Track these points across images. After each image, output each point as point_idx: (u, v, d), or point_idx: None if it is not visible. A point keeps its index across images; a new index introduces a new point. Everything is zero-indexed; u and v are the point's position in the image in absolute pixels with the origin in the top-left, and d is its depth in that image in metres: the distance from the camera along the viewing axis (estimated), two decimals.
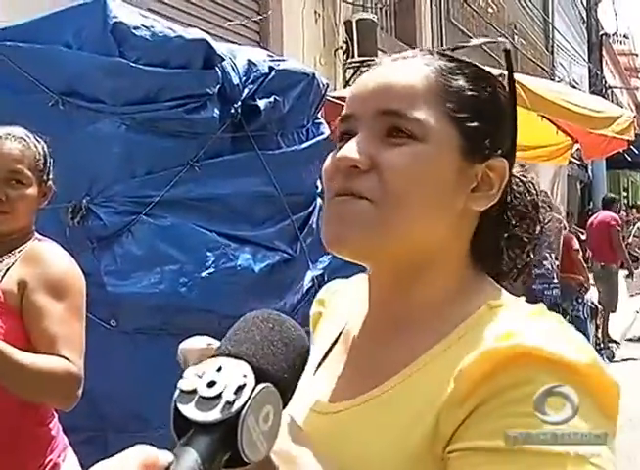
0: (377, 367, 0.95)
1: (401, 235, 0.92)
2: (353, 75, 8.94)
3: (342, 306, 1.13)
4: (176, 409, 0.70)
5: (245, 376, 0.71)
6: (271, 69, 3.48)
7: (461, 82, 0.95)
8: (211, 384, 0.70)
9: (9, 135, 2.17)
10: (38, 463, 2.06)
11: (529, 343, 0.81)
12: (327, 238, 0.94)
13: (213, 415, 0.68)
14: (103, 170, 3.15)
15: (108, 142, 3.16)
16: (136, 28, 3.15)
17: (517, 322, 0.87)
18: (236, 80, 3.35)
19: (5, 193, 2.11)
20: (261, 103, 3.38)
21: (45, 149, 2.22)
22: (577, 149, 7.91)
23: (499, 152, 0.96)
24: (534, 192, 1.04)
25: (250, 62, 3.45)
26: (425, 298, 0.96)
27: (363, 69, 1.03)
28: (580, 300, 6.27)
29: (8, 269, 2.05)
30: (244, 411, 0.69)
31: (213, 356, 0.75)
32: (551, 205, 1.05)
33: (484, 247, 0.99)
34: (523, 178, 1.04)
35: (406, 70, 0.96)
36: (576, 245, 7.83)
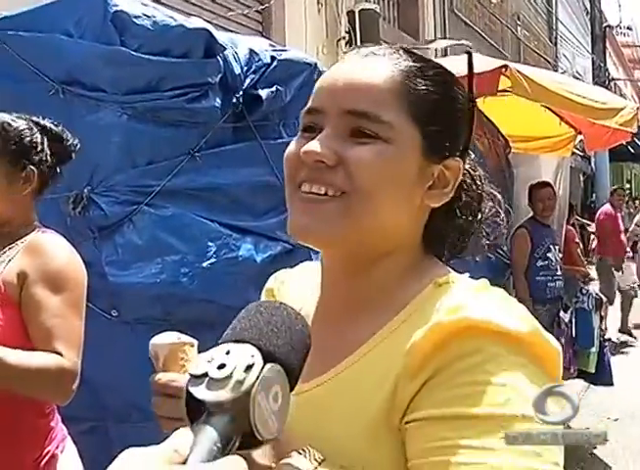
0: (333, 349, 0.99)
1: (365, 227, 0.97)
2: None
3: (293, 294, 1.17)
4: (188, 393, 0.72)
5: (252, 356, 0.74)
6: (273, 58, 3.46)
7: (424, 85, 0.99)
8: (221, 366, 0.73)
9: None
10: (36, 455, 2.05)
11: (476, 316, 0.87)
12: (292, 229, 1.00)
13: (225, 394, 0.71)
14: (104, 160, 3.13)
15: (108, 131, 3.14)
16: (137, 17, 3.13)
17: (462, 297, 0.93)
18: (237, 70, 3.32)
19: None
20: (263, 93, 3.35)
21: (27, 131, 2.15)
22: (580, 140, 7.88)
23: (456, 152, 1.02)
24: (480, 184, 1.10)
25: (251, 51, 3.42)
26: (379, 281, 1.01)
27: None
28: (584, 291, 6.25)
29: (10, 260, 2.04)
30: (254, 389, 0.71)
31: (220, 343, 0.78)
32: (494, 196, 1.10)
33: (434, 234, 1.06)
34: (471, 171, 1.10)
35: (374, 69, 0.99)
36: (576, 238, 7.82)
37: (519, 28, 17.13)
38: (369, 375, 0.94)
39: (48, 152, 2.18)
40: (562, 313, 6.01)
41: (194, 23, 3.32)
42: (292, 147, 1.02)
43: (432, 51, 12.01)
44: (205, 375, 0.72)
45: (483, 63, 5.84)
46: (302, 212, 0.98)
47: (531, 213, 6.16)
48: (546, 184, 6.25)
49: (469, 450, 0.81)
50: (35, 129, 2.17)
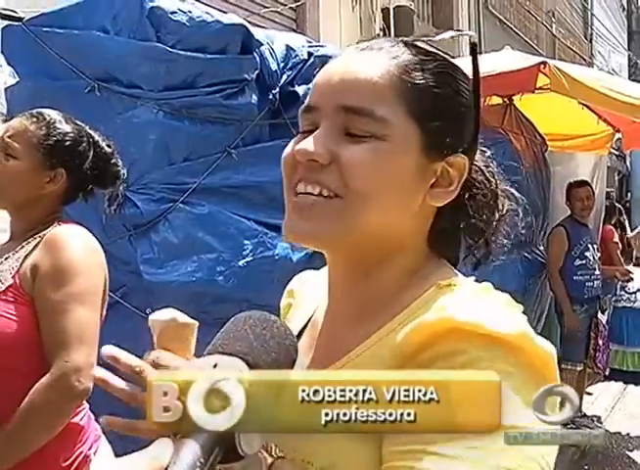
0: (333, 348, 0.98)
1: (360, 229, 0.93)
2: None
3: (311, 295, 1.14)
4: None
5: (240, 371, 0.73)
6: (310, 54, 3.43)
7: (424, 79, 0.94)
8: None
9: (29, 113, 2.14)
10: (67, 455, 2.01)
11: (460, 317, 0.83)
12: (285, 231, 0.96)
13: None
14: (140, 157, 3.11)
15: (145, 128, 3.13)
16: (173, 13, 3.12)
17: (454, 298, 0.89)
18: (274, 66, 3.30)
19: None
20: (300, 89, 3.32)
21: (71, 135, 2.14)
22: (618, 139, 7.77)
23: (460, 148, 0.97)
24: (494, 181, 1.04)
25: (288, 47, 3.40)
26: (381, 284, 0.98)
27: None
28: (629, 289, 6.15)
29: (27, 256, 2.02)
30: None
31: (208, 354, 0.77)
32: (511, 194, 1.04)
33: (442, 235, 1.01)
34: (483, 167, 1.04)
35: (370, 64, 0.95)
36: (615, 237, 7.69)
37: (554, 25, 16.97)
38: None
39: (88, 166, 2.16)
40: (599, 315, 5.92)
41: (230, 18, 3.29)
42: (288, 147, 0.98)
43: (465, 48, 11.93)
44: None
45: (521, 59, 5.77)
46: (296, 215, 0.94)
47: (569, 212, 6.07)
48: (585, 183, 6.16)
49: (433, 457, 0.78)
50: (85, 139, 2.16)
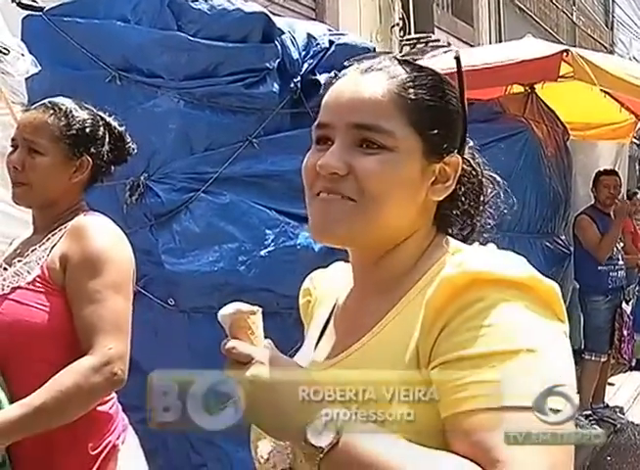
0: (361, 325, 1.11)
1: (377, 226, 1.09)
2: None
3: (330, 290, 1.30)
4: None
5: None
6: (331, 43, 3.40)
7: (420, 94, 1.10)
8: None
9: (42, 104, 2.13)
10: (96, 444, 2.01)
11: (477, 267, 0.98)
12: (313, 231, 1.12)
13: None
14: (160, 147, 3.11)
15: (165, 118, 3.12)
16: (194, 1, 3.11)
17: (466, 255, 1.05)
18: (295, 55, 3.27)
19: (22, 162, 2.07)
20: (321, 78, 3.29)
21: (89, 121, 2.14)
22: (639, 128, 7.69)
23: (454, 149, 1.13)
24: (479, 170, 1.21)
25: (309, 36, 3.37)
26: (399, 263, 1.13)
27: (339, 75, 1.17)
28: None
29: (54, 246, 2.02)
30: None
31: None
32: (494, 180, 1.21)
33: (444, 220, 1.18)
34: (471, 159, 1.20)
35: (373, 85, 1.10)
36: (632, 227, 7.63)
37: (574, 13, 16.81)
38: (395, 336, 1.04)
39: (107, 149, 2.17)
40: (624, 305, 5.88)
41: (251, 7, 3.27)
42: (308, 159, 1.13)
43: (485, 36, 11.85)
44: None
45: (543, 48, 5.70)
46: (319, 214, 1.10)
47: (590, 202, 6.02)
48: (614, 172, 6.13)
49: (478, 385, 0.91)
50: (101, 123, 2.16)
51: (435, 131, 1.10)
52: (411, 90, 1.10)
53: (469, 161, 1.20)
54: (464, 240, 1.19)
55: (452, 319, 0.96)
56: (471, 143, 1.21)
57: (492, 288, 0.97)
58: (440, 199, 1.14)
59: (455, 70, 1.19)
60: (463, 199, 1.18)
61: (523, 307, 0.96)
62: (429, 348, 0.98)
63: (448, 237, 1.17)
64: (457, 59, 1.20)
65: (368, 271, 1.16)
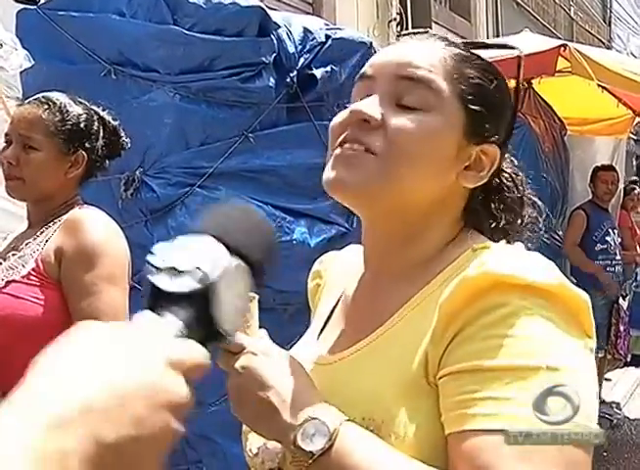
0: (372, 318, 1.03)
1: (398, 188, 0.99)
2: None
3: (339, 275, 1.21)
4: (151, 285, 0.73)
5: (218, 251, 0.76)
6: (328, 37, 3.37)
7: (472, 70, 1.04)
8: (185, 259, 0.74)
9: (36, 99, 2.14)
10: None
11: (500, 270, 0.88)
12: (329, 181, 1.00)
13: (189, 284, 0.72)
14: (156, 141, 3.09)
15: (161, 112, 3.10)
16: None
17: (492, 255, 0.95)
18: (292, 49, 3.25)
19: (17, 158, 2.07)
20: (318, 72, 3.27)
21: (84, 116, 2.15)
22: (637, 123, 7.69)
23: (495, 139, 1.06)
24: (522, 189, 1.13)
25: (306, 30, 3.34)
26: (418, 254, 1.05)
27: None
28: None
29: (48, 240, 2.02)
30: (219, 281, 0.73)
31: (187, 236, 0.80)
32: (534, 203, 1.16)
33: (474, 216, 1.09)
34: (514, 175, 1.14)
35: (428, 48, 1.05)
36: (630, 223, 7.64)
37: (572, 9, 16.80)
38: (406, 336, 0.96)
39: (101, 143, 2.17)
40: (620, 301, 5.88)
41: (247, 1, 3.25)
42: (338, 116, 1.05)
43: (482, 32, 11.83)
44: (171, 268, 0.73)
45: (540, 42, 5.70)
46: (339, 165, 1.00)
47: (589, 197, 6.02)
48: (612, 168, 6.14)
49: (489, 401, 0.83)
50: (95, 117, 2.16)
51: (481, 110, 1.03)
52: (464, 63, 1.04)
53: (512, 176, 1.13)
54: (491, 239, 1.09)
55: (468, 324, 0.88)
56: (516, 162, 1.15)
57: (516, 294, 0.88)
58: (471, 186, 1.05)
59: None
60: (498, 213, 1.10)
61: (547, 319, 0.87)
62: (439, 354, 0.90)
63: (475, 231, 1.08)
64: (518, 58, 1.17)
65: (382, 256, 1.07)
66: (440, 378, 0.89)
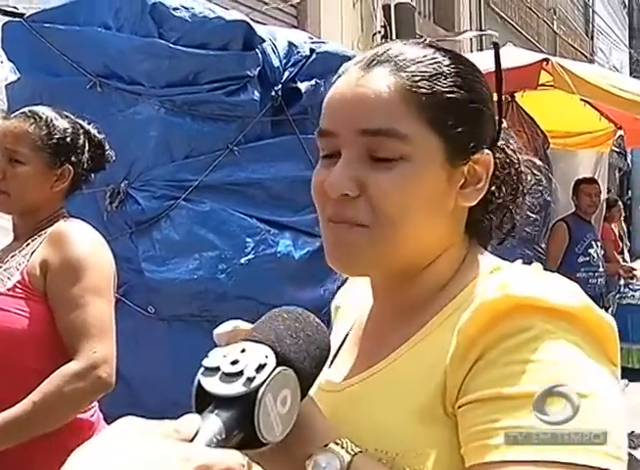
0: (383, 345, 0.98)
1: (397, 252, 0.94)
2: None
3: (352, 306, 1.15)
4: (199, 384, 0.74)
5: (266, 357, 0.76)
6: (312, 51, 3.40)
7: (437, 86, 0.92)
8: (234, 362, 0.75)
9: (23, 113, 2.14)
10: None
11: (521, 293, 0.83)
12: (330, 262, 0.96)
13: (234, 389, 0.72)
14: (141, 154, 3.10)
15: (146, 125, 3.11)
16: (175, 9, 3.10)
17: (510, 277, 0.88)
18: (276, 63, 3.28)
19: (3, 171, 2.08)
20: (302, 86, 3.30)
21: (70, 130, 2.15)
22: (619, 136, 7.75)
23: (484, 145, 0.96)
24: (516, 157, 1.03)
25: (290, 44, 3.38)
26: (426, 285, 0.98)
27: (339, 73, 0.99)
28: (632, 286, 6.16)
29: (33, 252, 2.02)
30: (263, 388, 0.73)
31: (239, 341, 0.80)
32: (533, 164, 1.04)
33: (476, 223, 1.02)
34: (504, 146, 1.02)
35: (381, 79, 0.92)
36: (613, 236, 7.69)
37: (555, 22, 16.92)
38: (421, 362, 0.91)
39: (87, 157, 2.18)
40: None
41: (232, 15, 3.27)
42: (316, 177, 0.96)
43: (466, 45, 11.91)
44: (218, 369, 0.74)
45: (524, 56, 5.75)
46: (335, 247, 0.94)
47: (572, 210, 6.06)
48: (594, 180, 6.18)
49: (513, 431, 0.79)
50: (81, 131, 2.17)
51: (459, 129, 0.92)
52: (424, 83, 0.91)
53: (502, 149, 1.02)
54: (502, 241, 1.06)
55: (490, 349, 0.83)
56: (504, 124, 1.02)
57: (539, 317, 0.82)
58: (473, 203, 0.97)
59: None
60: (497, 193, 1.01)
61: (572, 343, 0.82)
62: (459, 381, 0.85)
63: (483, 250, 1.02)
64: (495, 45, 1.07)
65: (390, 294, 1.01)
66: (460, 407, 0.84)
